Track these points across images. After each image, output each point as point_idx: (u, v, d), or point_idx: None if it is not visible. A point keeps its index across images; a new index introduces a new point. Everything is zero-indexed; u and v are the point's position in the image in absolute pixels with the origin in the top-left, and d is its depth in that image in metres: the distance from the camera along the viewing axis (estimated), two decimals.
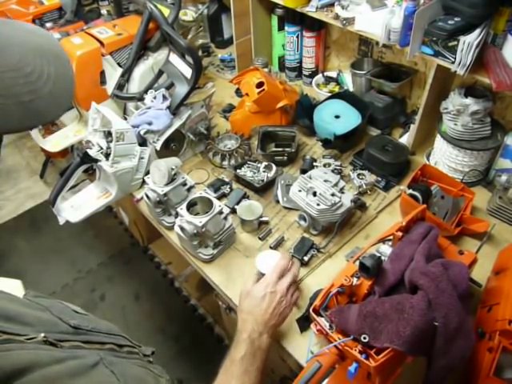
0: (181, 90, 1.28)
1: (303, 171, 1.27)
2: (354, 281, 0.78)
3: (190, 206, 1.07)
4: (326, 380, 0.76)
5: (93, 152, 1.22)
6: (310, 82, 1.66)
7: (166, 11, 1.39)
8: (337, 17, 1.25)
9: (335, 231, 1.13)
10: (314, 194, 1.08)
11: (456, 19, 1.01)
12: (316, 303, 0.78)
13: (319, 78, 1.65)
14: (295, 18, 1.52)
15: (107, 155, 1.21)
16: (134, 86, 1.41)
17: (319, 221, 1.10)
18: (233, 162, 1.36)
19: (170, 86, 1.33)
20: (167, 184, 1.13)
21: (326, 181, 1.11)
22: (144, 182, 1.26)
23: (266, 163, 1.31)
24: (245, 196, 1.26)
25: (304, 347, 0.90)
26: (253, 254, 1.11)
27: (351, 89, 1.54)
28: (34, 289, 0.67)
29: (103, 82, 1.39)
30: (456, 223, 1.10)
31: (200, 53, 1.85)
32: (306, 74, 1.68)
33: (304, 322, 0.95)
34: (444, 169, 1.24)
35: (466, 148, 1.17)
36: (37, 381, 0.45)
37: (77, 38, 1.35)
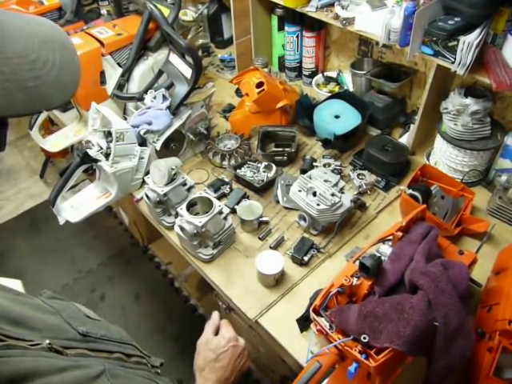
0: (181, 89, 1.28)
1: (303, 171, 1.27)
2: (354, 281, 0.78)
3: (190, 206, 1.07)
4: (326, 380, 0.76)
5: (93, 152, 1.22)
6: (310, 82, 1.66)
7: (166, 11, 1.39)
8: (337, 17, 1.25)
9: (335, 231, 1.13)
10: (314, 193, 1.08)
11: (456, 19, 1.01)
12: (316, 303, 0.78)
13: (319, 78, 1.65)
14: (295, 18, 1.52)
15: (107, 155, 1.21)
16: (134, 86, 1.41)
17: (319, 221, 1.10)
18: (233, 161, 1.36)
19: (169, 86, 1.33)
20: (167, 184, 1.13)
21: (325, 181, 1.11)
22: (144, 181, 1.26)
23: (266, 163, 1.31)
24: (245, 196, 1.26)
25: (304, 347, 0.90)
26: (253, 254, 1.11)
27: (351, 89, 1.54)
28: (33, 289, 0.67)
29: (103, 81, 1.39)
30: (456, 223, 1.10)
31: (200, 53, 1.85)
32: (306, 74, 1.68)
33: (304, 322, 0.95)
34: (444, 169, 1.24)
35: (466, 148, 1.17)
36: None
37: (77, 38, 1.36)
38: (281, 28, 1.60)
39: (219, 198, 1.24)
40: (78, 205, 1.27)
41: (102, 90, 1.40)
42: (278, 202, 1.25)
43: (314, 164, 1.30)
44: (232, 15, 1.56)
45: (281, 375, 1.42)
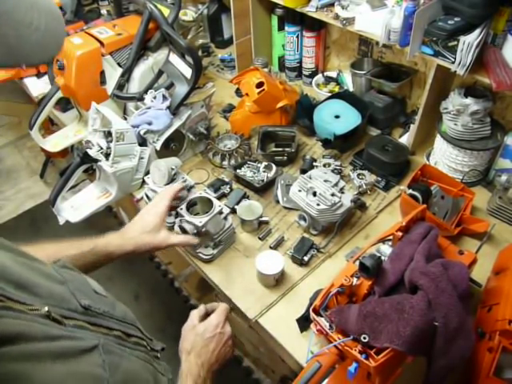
0: (181, 89, 1.28)
1: (303, 171, 1.27)
2: (354, 281, 0.78)
3: (190, 206, 1.07)
4: (326, 380, 0.76)
5: (93, 152, 1.22)
6: (310, 82, 1.66)
7: (166, 11, 1.39)
8: (337, 17, 1.25)
9: (335, 231, 1.13)
10: (314, 194, 1.08)
11: (456, 19, 1.01)
12: (316, 303, 0.78)
13: (319, 78, 1.65)
14: (295, 18, 1.52)
15: (107, 155, 1.21)
16: (134, 86, 1.41)
17: (319, 221, 1.10)
18: (233, 161, 1.36)
19: (169, 86, 1.33)
20: (167, 184, 1.13)
21: (325, 181, 1.11)
22: (144, 181, 1.26)
23: (266, 163, 1.31)
24: (245, 196, 1.26)
25: (304, 347, 0.90)
26: (253, 254, 1.11)
27: (351, 89, 1.54)
28: None
29: (103, 81, 1.39)
30: (456, 223, 1.10)
31: (200, 53, 1.85)
32: (306, 74, 1.68)
33: (304, 322, 0.95)
34: (444, 169, 1.24)
35: (466, 148, 1.17)
36: (13, 354, 0.43)
37: (77, 38, 1.35)
38: (281, 28, 1.60)
39: (219, 198, 1.24)
40: (78, 205, 1.27)
41: (102, 90, 1.40)
42: (278, 201, 1.25)
43: (314, 164, 1.30)
44: (232, 15, 1.56)
45: (281, 375, 1.42)
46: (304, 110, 1.44)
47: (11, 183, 2.73)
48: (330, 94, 1.49)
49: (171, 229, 1.20)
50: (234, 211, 1.19)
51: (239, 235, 1.18)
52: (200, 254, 1.11)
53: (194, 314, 0.90)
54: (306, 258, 1.08)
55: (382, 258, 0.82)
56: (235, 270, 1.10)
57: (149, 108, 1.27)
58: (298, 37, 1.58)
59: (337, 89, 1.59)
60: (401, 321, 0.68)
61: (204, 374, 0.79)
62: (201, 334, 0.84)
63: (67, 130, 1.55)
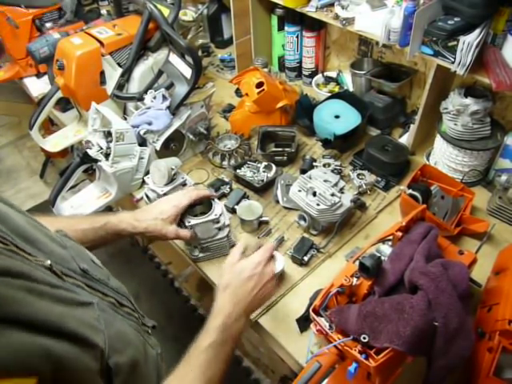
0: (181, 90, 1.28)
1: (303, 171, 1.27)
2: (354, 281, 0.78)
3: (194, 205, 1.08)
4: (326, 380, 0.76)
5: (93, 152, 1.22)
6: (310, 82, 1.66)
7: (166, 11, 1.39)
8: (337, 17, 1.25)
9: (335, 231, 1.13)
10: (314, 194, 1.08)
11: (456, 19, 1.01)
12: (316, 303, 0.77)
13: (319, 78, 1.65)
14: (295, 18, 1.52)
15: (107, 155, 1.21)
16: (134, 86, 1.41)
17: (319, 221, 1.10)
18: (233, 161, 1.36)
19: (169, 86, 1.33)
20: (167, 184, 1.13)
21: (325, 181, 1.11)
22: (144, 181, 1.26)
23: (266, 163, 1.31)
24: (245, 196, 1.26)
25: (304, 347, 0.90)
26: None
27: (351, 89, 1.54)
28: None
29: (103, 82, 1.39)
30: (456, 223, 1.10)
31: (200, 53, 1.85)
32: (306, 74, 1.68)
33: (304, 322, 0.95)
34: (444, 169, 1.24)
35: (466, 148, 1.17)
36: (14, 284, 0.43)
37: (77, 38, 1.35)
38: (281, 28, 1.60)
39: (219, 198, 1.24)
40: (78, 205, 1.27)
41: (102, 90, 1.40)
42: (277, 201, 1.25)
43: (314, 164, 1.30)
44: (232, 15, 1.56)
45: (281, 375, 1.42)
46: (304, 109, 1.44)
47: (11, 183, 2.73)
48: (329, 94, 1.49)
49: None
50: (233, 211, 1.19)
51: (239, 235, 1.18)
52: (187, 251, 1.12)
53: (235, 250, 0.86)
54: (305, 258, 1.08)
55: (382, 258, 0.82)
56: None
57: (149, 108, 1.27)
58: (297, 37, 1.58)
59: (337, 89, 1.59)
60: (401, 321, 0.68)
61: (236, 314, 0.76)
62: (239, 271, 0.81)
63: (67, 130, 1.55)
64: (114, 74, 1.39)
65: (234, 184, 1.31)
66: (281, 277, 1.05)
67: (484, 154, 1.18)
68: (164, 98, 1.28)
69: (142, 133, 1.24)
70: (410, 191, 1.08)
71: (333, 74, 1.64)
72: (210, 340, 0.72)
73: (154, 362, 0.69)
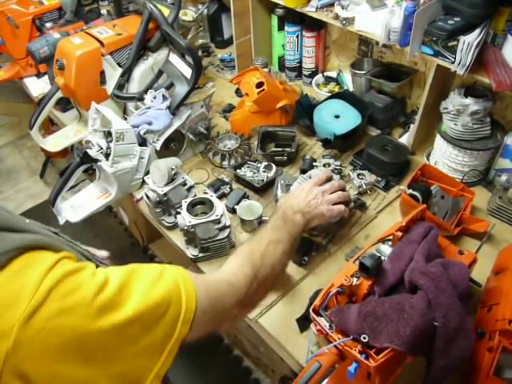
0: (181, 90, 1.28)
1: (303, 171, 1.27)
2: (354, 281, 0.78)
3: (196, 205, 1.08)
4: (326, 380, 0.76)
5: (93, 152, 1.22)
6: (310, 82, 1.66)
7: (166, 11, 1.39)
8: (337, 17, 1.25)
9: (335, 231, 1.13)
10: None
11: (456, 19, 1.01)
12: (316, 303, 0.78)
13: (319, 77, 1.65)
14: (295, 18, 1.52)
15: (107, 155, 1.21)
16: (134, 86, 1.41)
17: None
18: (233, 162, 1.36)
19: (169, 86, 1.33)
20: (167, 184, 1.13)
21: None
22: (144, 181, 1.26)
23: (266, 163, 1.31)
24: (245, 196, 1.26)
25: (304, 347, 0.90)
26: None
27: (351, 89, 1.54)
28: None
29: (103, 82, 1.39)
30: (456, 223, 1.10)
31: (200, 53, 1.85)
32: (306, 74, 1.68)
33: (304, 322, 0.95)
34: (444, 169, 1.24)
35: (466, 148, 1.17)
36: None
37: (77, 38, 1.35)
38: (281, 28, 1.60)
39: (219, 198, 1.24)
40: (78, 205, 1.27)
41: (102, 90, 1.40)
42: (277, 201, 1.25)
43: (314, 164, 1.30)
44: (232, 15, 1.56)
45: (281, 375, 1.42)
46: (304, 110, 1.44)
47: (11, 183, 2.73)
48: (329, 94, 1.49)
49: (171, 228, 1.20)
50: (233, 211, 1.19)
51: (239, 235, 1.18)
52: (186, 251, 1.12)
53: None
54: (306, 258, 1.08)
55: (382, 258, 0.82)
56: None
57: (149, 108, 1.27)
58: (297, 37, 1.58)
59: (337, 89, 1.59)
60: (401, 321, 0.68)
61: (294, 209, 0.91)
62: (291, 191, 0.98)
63: (67, 130, 1.55)
64: (114, 74, 1.39)
65: (234, 184, 1.31)
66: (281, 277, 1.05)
67: (484, 153, 1.18)
68: (164, 97, 1.28)
69: (142, 133, 1.24)
70: (410, 191, 1.08)
71: (333, 74, 1.64)
72: (274, 224, 0.87)
73: None
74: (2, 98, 2.68)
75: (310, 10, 1.31)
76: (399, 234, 0.86)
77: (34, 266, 0.47)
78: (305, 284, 1.06)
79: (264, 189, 1.28)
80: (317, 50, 1.60)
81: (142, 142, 1.28)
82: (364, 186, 1.24)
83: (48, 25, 1.73)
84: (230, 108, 1.60)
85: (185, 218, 1.02)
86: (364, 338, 0.69)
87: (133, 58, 1.38)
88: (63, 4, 1.71)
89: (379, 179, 1.28)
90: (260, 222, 1.18)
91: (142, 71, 1.40)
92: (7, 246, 0.46)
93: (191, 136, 1.36)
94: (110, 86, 1.40)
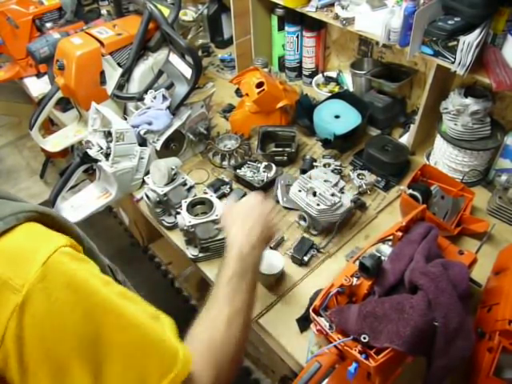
0: (181, 90, 1.28)
1: (303, 171, 1.27)
2: (354, 281, 0.78)
3: (196, 204, 1.08)
4: (326, 380, 0.76)
5: (93, 152, 1.22)
6: (310, 82, 1.66)
7: (166, 11, 1.39)
8: (337, 17, 1.25)
9: (335, 231, 1.13)
10: (314, 194, 1.08)
11: (456, 19, 1.01)
12: (316, 303, 0.77)
13: (319, 77, 1.65)
14: (295, 18, 1.52)
15: (107, 155, 1.21)
16: (134, 86, 1.41)
17: (319, 221, 1.10)
18: (233, 161, 1.36)
19: (169, 86, 1.33)
20: (167, 184, 1.13)
21: (325, 181, 1.11)
22: (144, 181, 1.26)
23: (266, 163, 1.31)
24: (245, 196, 1.26)
25: (304, 347, 0.90)
26: None
27: (351, 89, 1.54)
28: None
29: (103, 81, 1.39)
30: (456, 223, 1.10)
31: (200, 53, 1.85)
32: (306, 73, 1.68)
33: (304, 322, 0.95)
34: (444, 169, 1.24)
35: (466, 148, 1.17)
36: None
37: (77, 38, 1.35)
38: (281, 28, 1.60)
39: (219, 198, 1.24)
40: (78, 205, 1.27)
41: (102, 90, 1.40)
42: (277, 201, 1.25)
43: (314, 164, 1.30)
44: (232, 15, 1.56)
45: (281, 375, 1.42)
46: (304, 109, 1.44)
47: (11, 183, 2.73)
48: (330, 94, 1.49)
49: (171, 228, 1.20)
50: None
51: None
52: (186, 251, 1.12)
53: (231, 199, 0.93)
54: (305, 258, 1.08)
55: (382, 258, 0.82)
56: None
57: (149, 108, 1.27)
58: (297, 37, 1.58)
59: (337, 89, 1.59)
60: (401, 321, 0.68)
61: (251, 243, 0.76)
62: (241, 206, 0.84)
63: (67, 130, 1.55)
64: (114, 74, 1.39)
65: (234, 184, 1.31)
66: (281, 277, 1.05)
67: (484, 154, 1.18)
68: (164, 97, 1.28)
69: (142, 133, 1.24)
70: (410, 191, 1.08)
71: (333, 74, 1.64)
72: (231, 272, 0.71)
73: None
74: (2, 97, 2.68)
75: (309, 10, 1.31)
76: (399, 234, 0.86)
77: (47, 233, 0.51)
78: (305, 284, 1.06)
79: (264, 189, 1.28)
80: (317, 50, 1.60)
81: (142, 142, 1.28)
82: (364, 186, 1.24)
83: (48, 25, 1.73)
84: (230, 108, 1.60)
85: (185, 218, 1.03)
86: (364, 338, 0.69)
87: (133, 58, 1.38)
88: (63, 4, 1.71)
89: (379, 179, 1.28)
90: None
91: (142, 71, 1.40)
92: (19, 208, 0.51)
93: (191, 136, 1.36)
94: (110, 86, 1.40)
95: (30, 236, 0.50)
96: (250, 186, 1.28)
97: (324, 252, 1.11)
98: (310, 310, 0.78)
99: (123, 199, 1.40)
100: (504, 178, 1.12)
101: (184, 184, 1.17)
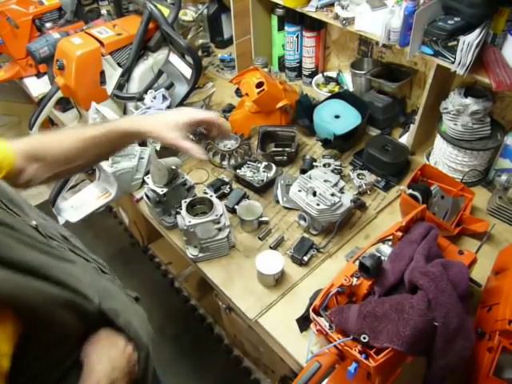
0: (181, 90, 1.28)
1: (303, 171, 1.27)
2: (354, 281, 0.78)
3: (196, 204, 1.08)
4: (326, 380, 0.76)
5: None
6: (310, 82, 1.66)
7: (166, 11, 1.39)
8: (337, 17, 1.25)
9: (335, 231, 1.13)
10: (314, 194, 1.08)
11: (456, 19, 1.01)
12: (316, 303, 0.78)
13: (319, 77, 1.65)
14: (295, 18, 1.52)
15: None
16: (134, 86, 1.41)
17: (319, 221, 1.10)
18: (233, 161, 1.36)
19: (169, 86, 1.33)
20: (167, 184, 1.13)
21: (325, 181, 1.11)
22: (144, 181, 1.26)
23: (266, 163, 1.31)
24: (245, 196, 1.26)
25: (304, 347, 0.90)
26: (253, 254, 1.11)
27: (351, 89, 1.54)
28: None
29: (103, 82, 1.39)
30: (456, 223, 1.10)
31: (200, 53, 1.85)
32: (306, 74, 1.68)
33: (304, 322, 0.95)
34: (444, 169, 1.24)
35: (466, 148, 1.17)
36: None
37: (77, 38, 1.36)
38: (281, 28, 1.60)
39: (219, 198, 1.24)
40: (78, 205, 1.27)
41: (102, 90, 1.40)
42: (277, 201, 1.25)
43: (314, 164, 1.30)
44: (232, 15, 1.56)
45: (281, 375, 1.42)
46: (304, 110, 1.44)
47: None
48: (329, 94, 1.49)
49: (171, 228, 1.20)
50: (233, 211, 1.19)
51: (239, 235, 1.18)
52: (186, 251, 1.12)
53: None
54: (305, 258, 1.08)
55: (382, 258, 0.82)
56: (235, 270, 1.10)
57: (149, 108, 1.27)
58: (297, 37, 1.58)
59: (337, 89, 1.59)
60: (401, 321, 0.68)
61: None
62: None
63: None
64: (114, 74, 1.39)
65: (234, 184, 1.31)
66: (281, 277, 1.05)
67: (484, 153, 1.18)
68: (164, 97, 1.28)
69: None
70: (410, 191, 1.08)
71: (333, 74, 1.64)
72: None
73: (143, 321, 0.76)
74: (1, 98, 2.68)
75: (309, 10, 1.31)
76: (399, 234, 0.86)
77: None
78: (305, 284, 1.06)
79: (264, 189, 1.28)
80: (317, 50, 1.60)
81: (142, 142, 1.28)
82: (364, 186, 1.24)
83: (48, 25, 1.73)
84: (230, 108, 1.60)
85: (184, 218, 1.03)
86: (364, 338, 0.69)
87: (133, 58, 1.38)
88: (63, 4, 1.71)
89: (379, 179, 1.28)
90: (260, 222, 1.18)
91: (142, 71, 1.41)
92: None
93: (191, 136, 1.36)
94: (110, 86, 1.40)
95: None
96: (249, 185, 1.28)
97: (324, 252, 1.11)
98: (310, 310, 0.78)
99: (123, 199, 1.40)
100: (504, 177, 1.12)
101: (184, 184, 1.17)
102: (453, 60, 1.02)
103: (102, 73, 1.38)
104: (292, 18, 1.53)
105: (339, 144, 1.36)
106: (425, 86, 1.19)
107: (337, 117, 1.37)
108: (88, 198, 1.30)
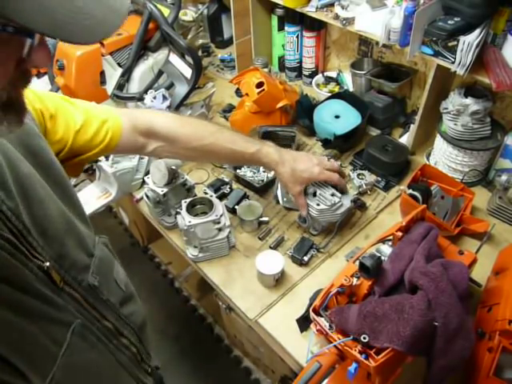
0: (181, 90, 1.28)
1: None
2: (354, 281, 0.78)
3: (196, 204, 1.08)
4: (326, 380, 0.76)
5: None
6: (310, 82, 1.66)
7: (166, 11, 1.39)
8: (337, 17, 1.25)
9: (335, 231, 1.13)
10: (314, 194, 1.08)
11: (456, 19, 1.01)
12: (316, 303, 0.78)
13: (319, 77, 1.65)
14: (295, 18, 1.52)
15: (107, 155, 1.21)
16: (134, 86, 1.41)
17: (319, 221, 1.10)
18: None
19: (169, 86, 1.33)
20: (167, 184, 1.13)
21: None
22: (144, 181, 1.26)
23: None
24: (245, 196, 1.26)
25: (304, 347, 0.90)
26: (253, 254, 1.11)
27: (351, 89, 1.54)
28: None
29: (103, 82, 1.39)
30: (456, 223, 1.10)
31: (200, 53, 1.85)
32: (306, 73, 1.68)
33: (304, 322, 0.95)
34: (444, 169, 1.24)
35: (466, 148, 1.17)
36: None
37: None
38: (281, 28, 1.60)
39: (219, 198, 1.24)
40: None
41: (102, 90, 1.40)
42: (277, 202, 1.25)
43: None
44: (232, 15, 1.56)
45: (281, 375, 1.42)
46: (304, 110, 1.44)
47: None
48: (329, 94, 1.49)
49: (171, 228, 1.20)
50: (233, 211, 1.19)
51: (239, 235, 1.18)
52: (186, 251, 1.12)
53: None
54: (305, 258, 1.08)
55: (382, 258, 0.82)
56: (235, 270, 1.10)
57: (149, 108, 1.27)
58: (297, 37, 1.58)
59: (337, 89, 1.59)
60: (401, 321, 0.68)
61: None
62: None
63: None
64: (114, 74, 1.39)
65: (234, 184, 1.31)
66: (281, 277, 1.05)
67: (484, 154, 1.18)
68: (164, 97, 1.28)
69: None
70: (410, 191, 1.08)
71: (333, 74, 1.64)
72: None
73: None
74: None
75: (309, 10, 1.31)
76: (399, 234, 0.86)
77: None
78: (305, 284, 1.06)
79: (264, 189, 1.28)
80: (317, 50, 1.60)
81: None
82: (364, 186, 1.24)
83: None
84: (230, 108, 1.60)
85: (184, 218, 1.03)
86: (364, 338, 0.69)
87: (133, 58, 1.38)
88: None
89: (379, 179, 1.28)
90: (260, 222, 1.18)
91: (142, 71, 1.41)
92: None
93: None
94: (110, 86, 1.40)
95: None
96: (250, 185, 1.28)
97: (324, 252, 1.11)
98: (310, 310, 0.78)
99: (123, 199, 1.40)
100: (504, 177, 1.12)
101: (184, 184, 1.17)
102: (453, 60, 1.02)
103: (102, 73, 1.38)
104: (292, 18, 1.53)
105: (339, 144, 1.36)
106: (425, 86, 1.19)
107: (337, 117, 1.37)
108: (88, 198, 1.29)
